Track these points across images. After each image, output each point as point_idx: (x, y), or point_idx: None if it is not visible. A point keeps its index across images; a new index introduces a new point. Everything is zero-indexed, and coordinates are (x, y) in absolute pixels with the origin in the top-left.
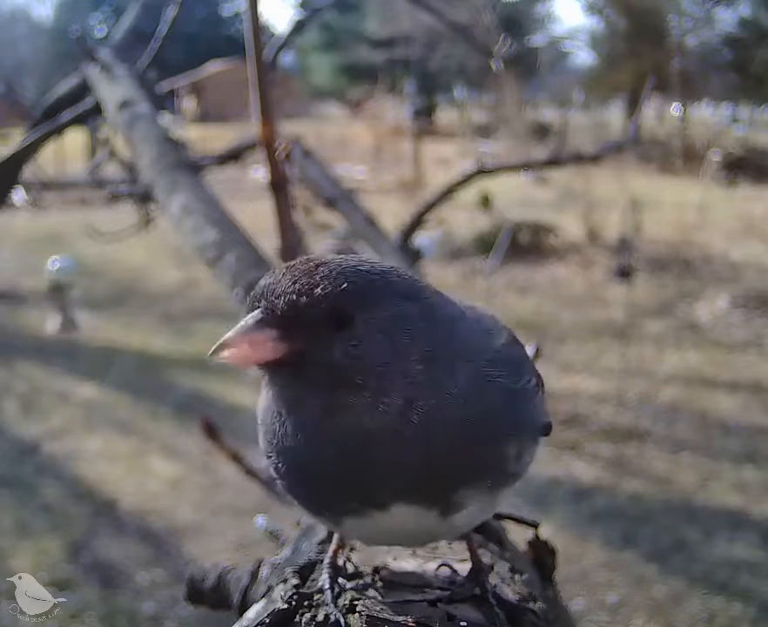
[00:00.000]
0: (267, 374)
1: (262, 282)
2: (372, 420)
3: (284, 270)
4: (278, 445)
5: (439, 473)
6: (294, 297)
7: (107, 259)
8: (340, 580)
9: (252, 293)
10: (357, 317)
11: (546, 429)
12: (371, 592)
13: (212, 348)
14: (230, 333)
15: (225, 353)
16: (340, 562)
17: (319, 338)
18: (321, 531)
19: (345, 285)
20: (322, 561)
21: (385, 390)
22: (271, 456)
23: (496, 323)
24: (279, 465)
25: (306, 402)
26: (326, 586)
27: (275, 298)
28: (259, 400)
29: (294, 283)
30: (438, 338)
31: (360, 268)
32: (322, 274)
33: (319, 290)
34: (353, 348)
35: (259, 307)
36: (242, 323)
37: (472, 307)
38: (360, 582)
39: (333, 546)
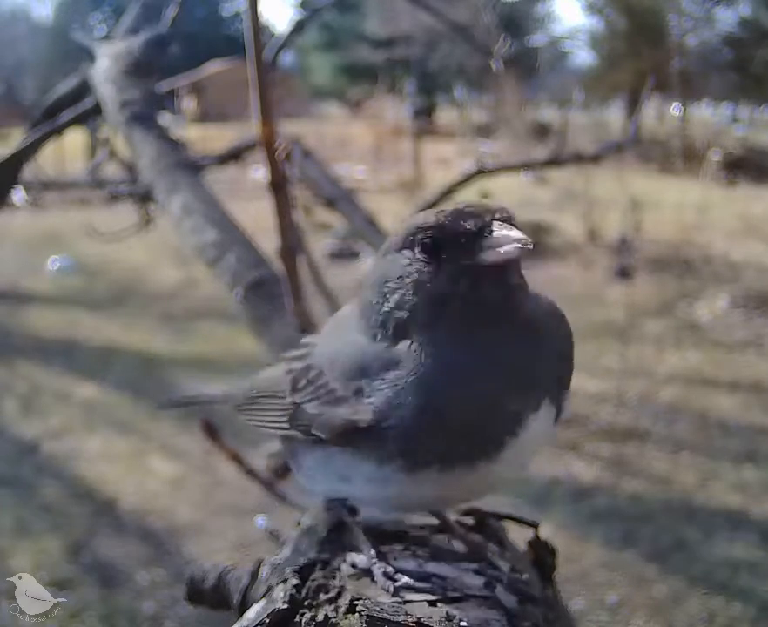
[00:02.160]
0: (492, 279)
1: (464, 207)
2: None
3: (459, 208)
4: (448, 387)
5: (560, 371)
6: (508, 212)
7: (107, 259)
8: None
9: (468, 213)
10: None
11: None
12: (370, 590)
13: (508, 248)
14: (513, 233)
15: (508, 255)
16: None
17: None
18: (321, 531)
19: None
20: (322, 560)
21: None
22: (433, 408)
23: None
24: (448, 407)
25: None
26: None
27: (500, 212)
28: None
29: (493, 207)
30: None
31: None
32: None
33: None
34: None
35: (492, 219)
36: (504, 229)
37: None
38: (357, 568)
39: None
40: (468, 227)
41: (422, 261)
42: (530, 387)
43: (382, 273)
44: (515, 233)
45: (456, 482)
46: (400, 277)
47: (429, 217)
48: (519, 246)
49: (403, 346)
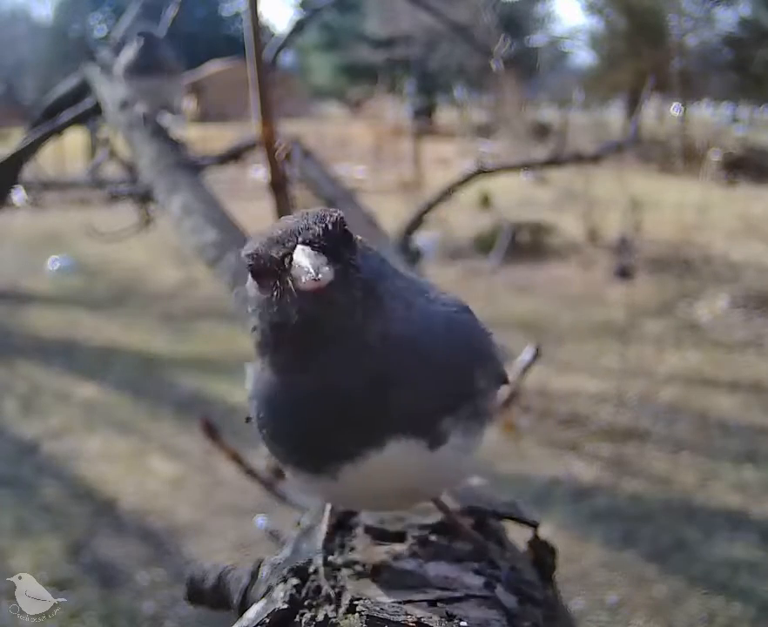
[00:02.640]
0: (308, 306)
1: (279, 229)
2: (374, 344)
3: (291, 219)
4: (279, 409)
5: (425, 399)
6: (324, 225)
7: (107, 259)
8: (331, 558)
9: (276, 238)
10: (353, 237)
11: (505, 378)
12: (370, 590)
13: (305, 279)
14: (306, 263)
15: (310, 285)
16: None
17: (346, 257)
18: (321, 531)
19: (341, 213)
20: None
21: (384, 308)
22: (268, 424)
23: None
24: (279, 428)
25: (327, 336)
26: (320, 562)
27: (309, 231)
28: (250, 383)
29: (315, 220)
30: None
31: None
32: (323, 211)
33: (333, 218)
34: (362, 267)
35: (296, 244)
36: (302, 257)
37: None
38: (357, 568)
39: (324, 527)
40: (273, 255)
41: (256, 287)
42: (359, 423)
43: (246, 297)
44: (312, 262)
45: (341, 488)
46: (251, 301)
47: (252, 243)
48: (312, 279)
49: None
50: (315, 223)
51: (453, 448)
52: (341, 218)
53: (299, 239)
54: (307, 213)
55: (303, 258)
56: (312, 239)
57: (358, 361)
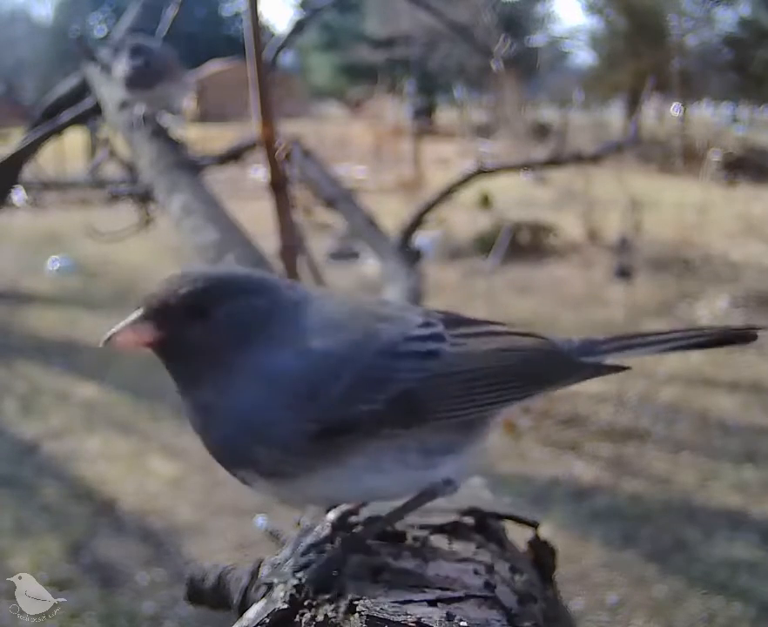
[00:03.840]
0: (156, 354)
1: (157, 289)
2: (208, 398)
3: (167, 279)
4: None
5: (236, 446)
6: (163, 297)
7: (107, 259)
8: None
9: (146, 295)
10: (212, 310)
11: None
12: (370, 590)
13: (104, 338)
14: (119, 326)
15: (118, 339)
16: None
17: (179, 327)
18: (322, 531)
19: (200, 286)
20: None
21: (219, 371)
22: None
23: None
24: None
25: (177, 377)
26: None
27: (153, 299)
28: None
29: (166, 288)
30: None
31: (215, 273)
32: (186, 280)
33: (181, 291)
34: (207, 334)
35: (142, 307)
36: (128, 319)
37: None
38: (357, 568)
39: (320, 528)
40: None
41: None
42: (227, 456)
43: None
44: (120, 326)
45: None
46: None
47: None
48: (107, 340)
49: None
50: (159, 293)
51: (325, 474)
52: (187, 293)
53: (142, 302)
54: (173, 280)
55: (125, 320)
56: (145, 306)
57: (200, 410)
